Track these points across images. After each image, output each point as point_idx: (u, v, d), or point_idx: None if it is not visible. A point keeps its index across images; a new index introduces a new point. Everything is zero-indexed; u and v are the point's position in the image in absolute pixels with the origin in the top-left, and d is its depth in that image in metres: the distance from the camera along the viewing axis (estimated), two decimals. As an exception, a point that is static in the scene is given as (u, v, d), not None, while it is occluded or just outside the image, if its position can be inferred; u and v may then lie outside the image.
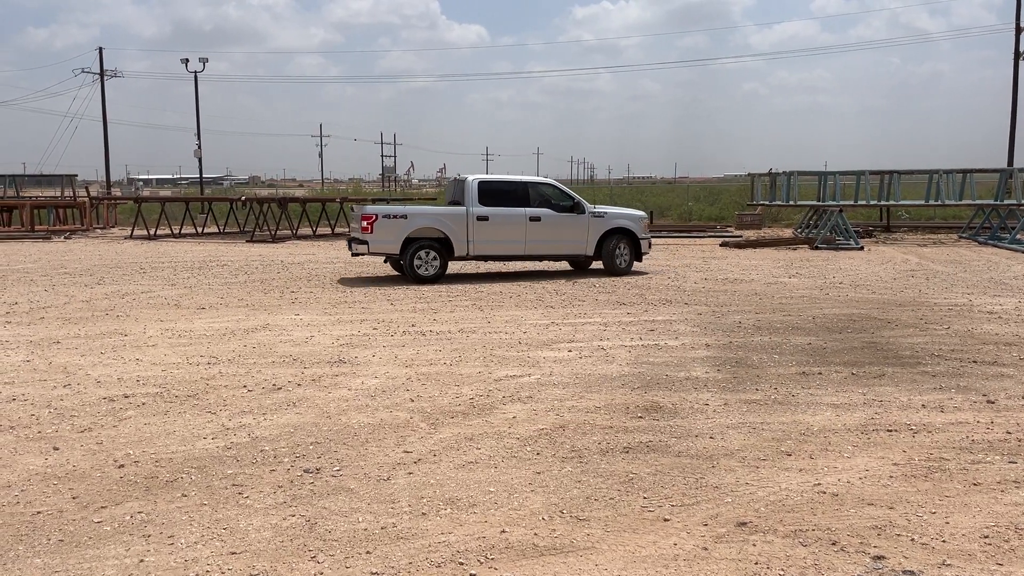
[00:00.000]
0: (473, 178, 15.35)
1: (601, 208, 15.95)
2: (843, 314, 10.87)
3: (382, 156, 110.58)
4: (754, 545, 4.00)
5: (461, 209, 15.08)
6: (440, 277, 14.82)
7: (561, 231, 15.45)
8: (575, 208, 15.48)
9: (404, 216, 15.01)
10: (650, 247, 16.42)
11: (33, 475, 4.97)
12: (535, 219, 15.25)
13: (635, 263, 16.16)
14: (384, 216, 14.91)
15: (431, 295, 12.98)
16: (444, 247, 14.87)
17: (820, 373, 7.55)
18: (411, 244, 14.72)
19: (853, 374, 7.50)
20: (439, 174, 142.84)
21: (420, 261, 14.72)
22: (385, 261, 16.19)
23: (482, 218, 15.03)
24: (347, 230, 29.68)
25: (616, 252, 15.66)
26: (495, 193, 15.23)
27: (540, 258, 15.81)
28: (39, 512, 4.42)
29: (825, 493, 4.66)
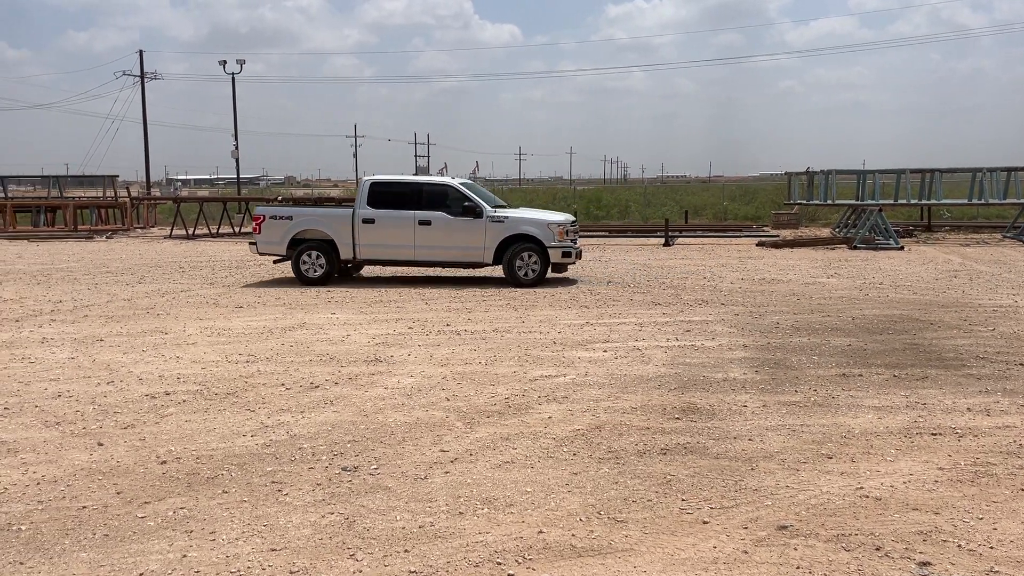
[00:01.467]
0: (367, 179, 15.10)
1: (504, 212, 14.48)
2: (884, 315, 10.69)
3: (415, 156, 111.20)
4: (795, 549, 3.95)
5: (347, 211, 14.90)
6: (327, 280, 14.61)
7: (454, 236, 14.30)
8: (471, 211, 14.20)
9: (290, 217, 15.02)
10: (569, 256, 14.34)
11: (79, 470, 5.07)
12: (425, 223, 14.31)
13: (562, 272, 15.02)
14: (271, 217, 14.97)
15: (465, 295, 13.02)
16: (331, 249, 14.64)
17: (861, 375, 7.43)
18: (298, 245, 14.72)
19: (895, 376, 7.37)
20: (472, 174, 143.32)
21: (306, 262, 14.68)
22: (275, 262, 15.80)
23: (368, 220, 14.53)
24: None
25: (517, 261, 14.11)
26: (387, 195, 14.66)
27: (432, 264, 14.93)
28: (84, 507, 4.50)
29: (868, 497, 4.59)
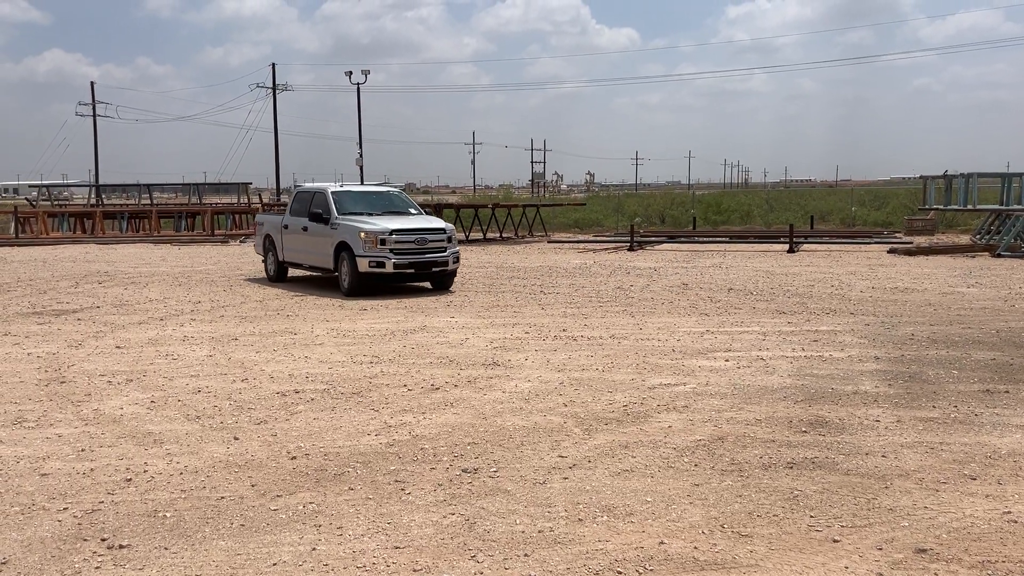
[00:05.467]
0: (296, 188, 15.95)
1: (343, 219, 14.14)
2: (1032, 328, 9.96)
3: (531, 162, 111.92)
4: (935, 574, 3.72)
5: (279, 218, 16.21)
6: (279, 279, 15.97)
7: (317, 242, 14.65)
8: (319, 218, 14.50)
9: (262, 223, 17.04)
10: (382, 267, 13.45)
11: (217, 462, 5.35)
12: (305, 229, 15.00)
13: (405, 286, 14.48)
14: (257, 223, 17.39)
15: (581, 300, 12.98)
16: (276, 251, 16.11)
17: (1007, 391, 6.95)
18: (266, 247, 16.40)
19: (1046, 394, 6.85)
20: (588, 178, 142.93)
21: (267, 261, 16.47)
22: (263, 260, 17.01)
23: (285, 226, 15.71)
24: (498, 235, 30.34)
25: (342, 269, 14.00)
26: (301, 202, 15.55)
27: (315, 270, 15.23)
28: (223, 497, 4.75)
29: (1017, 523, 4.28)
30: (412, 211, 15.46)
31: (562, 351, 8.88)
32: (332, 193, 14.88)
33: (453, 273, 14.64)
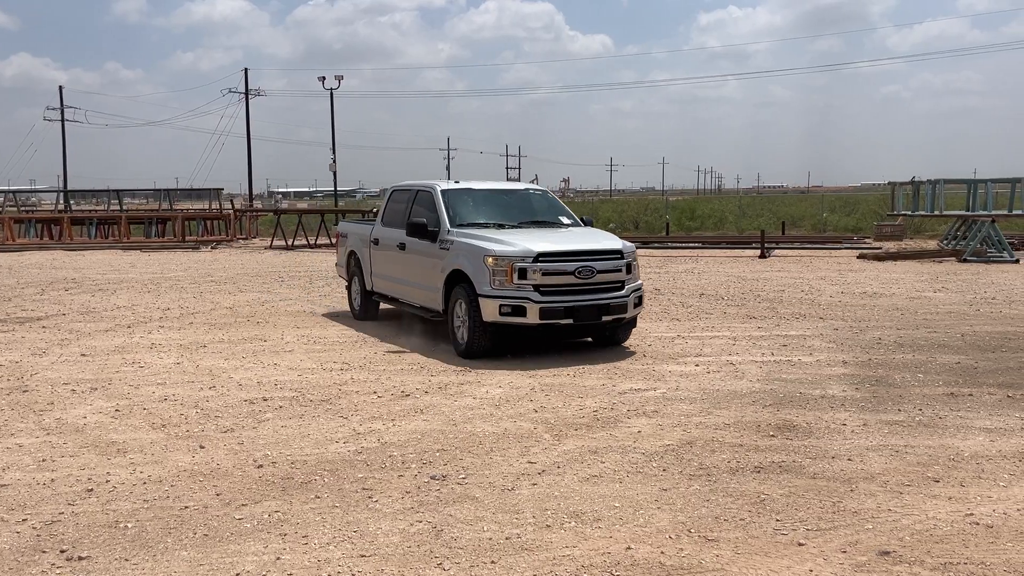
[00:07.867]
0: (392, 187, 11.46)
1: (460, 234, 9.11)
2: (997, 331, 10.12)
3: (507, 168, 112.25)
4: (898, 577, 3.76)
5: (368, 227, 11.44)
6: (367, 316, 11.30)
7: (417, 269, 9.84)
8: (422, 231, 9.53)
9: (346, 235, 12.07)
10: (521, 314, 8.34)
11: (181, 471, 5.28)
12: (402, 246, 10.12)
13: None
14: (340, 234, 12.37)
15: (555, 306, 12.98)
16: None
17: (971, 395, 7.05)
18: (351, 269, 11.75)
19: (1009, 396, 6.96)
20: (563, 185, 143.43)
21: (351, 291, 11.74)
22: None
23: (375, 241, 10.91)
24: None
25: (456, 312, 8.91)
26: (397, 206, 10.73)
27: (422, 311, 9.87)
28: (186, 507, 4.68)
29: (978, 524, 4.33)
30: (564, 221, 10.10)
31: (534, 357, 8.88)
32: (442, 193, 9.84)
33: (632, 323, 9.32)
